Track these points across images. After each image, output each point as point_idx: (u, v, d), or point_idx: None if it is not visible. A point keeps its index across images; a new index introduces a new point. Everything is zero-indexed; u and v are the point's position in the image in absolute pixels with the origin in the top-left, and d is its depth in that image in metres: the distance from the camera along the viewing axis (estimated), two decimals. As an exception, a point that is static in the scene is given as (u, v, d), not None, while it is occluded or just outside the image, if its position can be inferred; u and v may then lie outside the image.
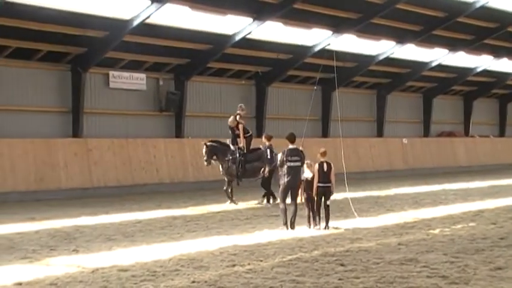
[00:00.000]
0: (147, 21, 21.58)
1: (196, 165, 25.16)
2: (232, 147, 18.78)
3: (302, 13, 24.63)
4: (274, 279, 8.60)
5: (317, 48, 27.34)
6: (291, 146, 13.21)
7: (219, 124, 27.80)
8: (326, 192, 13.19)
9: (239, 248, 10.92)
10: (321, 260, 9.86)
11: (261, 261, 9.86)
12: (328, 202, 13.27)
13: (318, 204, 13.24)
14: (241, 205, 18.10)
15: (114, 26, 21.66)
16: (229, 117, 19.12)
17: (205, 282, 8.41)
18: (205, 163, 18.84)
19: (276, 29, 25.69)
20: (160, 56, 24.83)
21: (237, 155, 18.57)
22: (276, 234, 12.64)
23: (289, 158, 13.02)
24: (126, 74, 24.44)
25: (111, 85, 24.02)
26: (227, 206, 17.95)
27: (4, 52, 21.18)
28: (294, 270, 9.17)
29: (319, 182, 13.08)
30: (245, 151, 18.70)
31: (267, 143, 18.60)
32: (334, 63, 18.77)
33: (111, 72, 23.97)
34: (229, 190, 18.40)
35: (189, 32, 23.92)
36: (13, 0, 18.65)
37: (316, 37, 27.20)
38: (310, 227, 13.24)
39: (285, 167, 13.02)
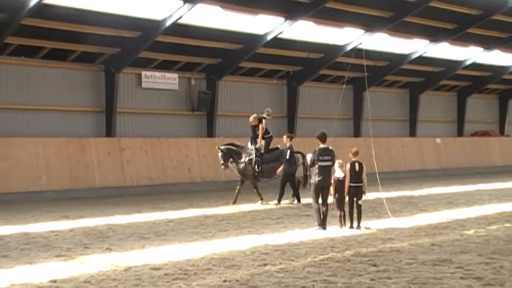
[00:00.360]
0: (179, 21, 21.70)
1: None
2: (249, 147, 18.72)
3: (334, 12, 24.51)
4: (306, 278, 8.57)
5: (349, 48, 27.18)
6: (321, 146, 13.14)
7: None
8: (358, 192, 13.12)
9: (270, 248, 10.91)
10: (352, 260, 9.81)
11: (293, 260, 9.84)
12: (359, 202, 13.19)
13: (350, 204, 13.17)
14: (271, 205, 18.06)
15: (147, 27, 21.84)
16: (258, 116, 19.03)
17: (237, 281, 8.42)
18: (223, 167, 18.92)
19: (307, 28, 25.59)
20: (192, 56, 24.96)
21: (254, 155, 18.47)
22: (307, 233, 12.61)
23: (321, 158, 12.95)
24: (158, 74, 24.64)
25: (144, 85, 24.23)
26: (258, 205, 17.95)
27: (40, 53, 21.52)
28: (326, 270, 9.13)
29: (350, 181, 13.02)
30: (262, 152, 18.57)
31: (288, 143, 18.39)
32: (364, 62, 18.61)
33: (143, 72, 24.18)
34: (238, 190, 18.31)
35: (221, 32, 24.00)
36: (49, 2, 18.91)
37: (348, 36, 27.04)
38: (341, 227, 13.19)
39: (316, 166, 12.97)
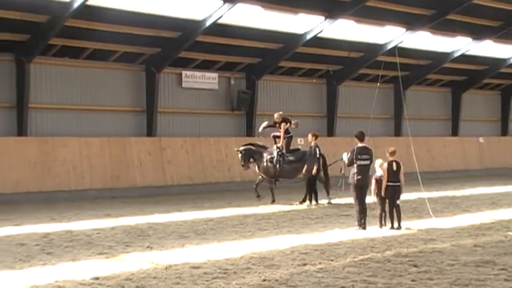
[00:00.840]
0: (219, 21, 21.80)
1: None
2: (270, 146, 18.62)
3: (375, 10, 24.29)
4: (346, 279, 8.52)
5: (389, 46, 26.92)
6: (360, 144, 13.06)
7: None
8: (396, 191, 13.01)
9: (310, 247, 10.88)
10: (393, 261, 9.71)
11: (332, 260, 9.79)
12: (398, 201, 13.09)
13: (389, 203, 13.07)
14: (304, 205, 17.99)
15: (187, 27, 22.01)
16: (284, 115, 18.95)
17: (276, 280, 8.42)
18: (243, 168, 18.91)
19: (347, 27, 25.42)
20: (232, 56, 25.04)
21: (275, 154, 18.35)
22: (347, 233, 12.53)
23: (360, 157, 12.88)
24: (198, 73, 24.80)
25: (184, 85, 24.43)
26: (298, 205, 17.91)
27: (83, 54, 21.88)
28: (366, 270, 9.06)
29: (388, 181, 12.93)
30: (284, 151, 18.42)
31: (313, 142, 18.10)
32: (397, 59, 18.32)
33: (183, 72, 24.38)
34: (257, 187, 18.37)
35: (261, 32, 24.02)
36: (92, 4, 19.21)
37: (389, 35, 26.78)
38: (381, 227, 13.07)
39: (355, 165, 12.89)
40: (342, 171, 13.81)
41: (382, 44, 27.15)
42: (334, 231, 12.83)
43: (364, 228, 12.95)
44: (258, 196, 18.23)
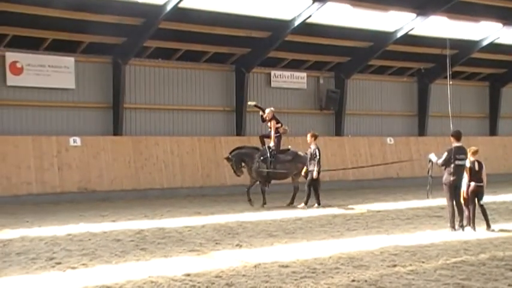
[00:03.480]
0: (308, 20, 21.78)
1: (356, 163, 25.02)
2: (261, 147, 17.84)
3: (469, 6, 23.53)
4: (438, 281, 8.32)
5: (485, 43, 26.02)
6: (457, 144, 12.73)
7: (380, 122, 27.51)
8: (479, 191, 12.69)
9: (400, 248, 10.69)
10: (488, 264, 9.38)
11: (423, 262, 9.58)
12: (481, 202, 12.77)
13: (473, 204, 12.78)
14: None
15: (277, 27, 22.12)
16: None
17: (366, 281, 8.33)
18: (237, 174, 17.91)
19: (440, 24, 24.77)
20: (321, 55, 24.96)
21: (268, 154, 17.56)
22: (439, 235, 12.22)
23: (457, 156, 12.56)
24: (287, 73, 24.89)
25: (273, 84, 24.58)
26: (389, 205, 17.63)
27: (175, 55, 22.44)
28: (459, 273, 8.81)
29: (470, 181, 12.61)
30: (276, 151, 17.65)
31: (313, 143, 17.35)
32: (448, 51, 17.43)
33: (272, 72, 24.53)
34: (249, 190, 17.57)
35: (350, 30, 23.81)
36: (184, 6, 19.66)
37: (485, 31, 25.88)
38: (474, 229, 12.73)
39: (452, 165, 12.57)
40: (430, 173, 13.35)
41: (477, 41, 26.30)
42: (426, 233, 12.55)
43: (457, 229, 12.62)
44: (250, 200, 17.42)
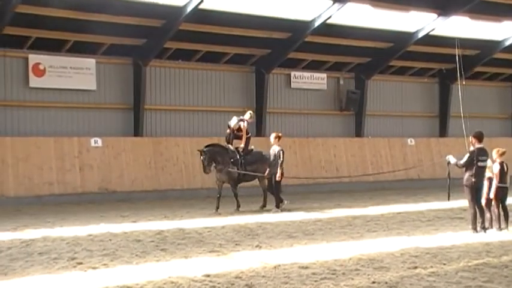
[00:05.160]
0: (328, 21, 21.74)
1: (376, 164, 24.92)
2: (230, 148, 17.01)
3: (491, 6, 23.31)
4: (459, 284, 8.24)
5: (508, 43, 25.77)
6: (479, 145, 12.61)
7: (400, 123, 27.36)
8: (504, 193, 12.71)
9: (421, 250, 10.62)
10: (510, 266, 9.28)
11: (445, 264, 9.50)
12: (506, 203, 12.74)
13: (498, 205, 12.68)
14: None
15: (297, 27, 22.10)
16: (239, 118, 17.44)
17: (386, 283, 8.28)
18: (205, 171, 16.59)
19: (461, 24, 24.57)
20: (341, 56, 24.89)
21: (238, 156, 16.80)
22: (460, 237, 12.12)
23: (480, 158, 12.44)
24: (307, 74, 24.87)
25: (293, 85, 24.58)
26: (410, 207, 17.52)
27: (195, 56, 22.52)
28: (481, 275, 8.72)
29: (499, 182, 12.52)
30: (244, 153, 16.95)
31: (276, 145, 16.55)
32: (457, 51, 17.21)
33: (292, 73, 24.53)
34: (219, 196, 16.51)
35: (370, 31, 23.72)
36: (205, 7, 19.73)
37: (507, 31, 25.61)
38: (500, 229, 12.63)
39: (474, 167, 12.45)
40: (450, 175, 13.20)
41: (500, 41, 26.05)
42: (447, 234, 12.45)
43: (479, 231, 12.51)
44: (218, 208, 16.30)
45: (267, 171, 16.63)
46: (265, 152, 17.25)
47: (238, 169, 16.74)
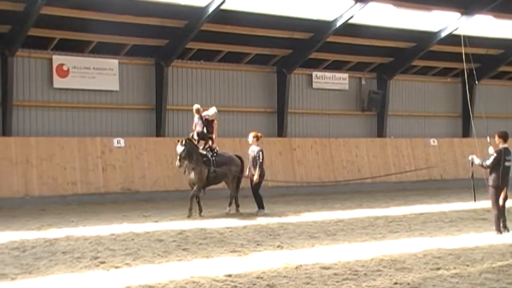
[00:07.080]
0: (350, 21, 21.66)
1: (398, 165, 24.78)
2: (201, 147, 16.04)
3: (515, 4, 23.10)
4: (483, 285, 8.18)
5: (533, 41, 25.52)
6: (504, 145, 12.49)
7: (423, 123, 27.17)
8: None
9: (444, 251, 10.55)
10: (535, 269, 9.19)
11: (468, 265, 9.43)
12: None
13: None
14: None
15: (318, 28, 22.06)
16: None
17: (408, 284, 8.24)
18: (178, 165, 15.23)
19: (485, 23, 24.32)
20: (363, 56, 24.78)
21: (210, 157, 15.89)
22: (484, 238, 12.02)
23: (506, 158, 12.33)
24: (328, 74, 24.81)
25: (314, 85, 24.53)
26: (432, 207, 17.40)
27: (217, 56, 22.58)
28: (505, 277, 8.64)
29: None
30: (215, 153, 16.03)
31: (255, 144, 15.92)
32: (463, 49, 16.98)
33: (314, 73, 24.48)
34: (198, 199, 15.71)
35: (393, 31, 23.59)
36: (226, 8, 19.77)
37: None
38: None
39: (501, 168, 12.32)
40: (473, 175, 13.07)
41: (524, 40, 25.78)
42: (470, 235, 12.36)
43: (502, 232, 12.40)
44: (190, 216, 15.22)
45: (246, 172, 16.11)
46: (231, 153, 16.73)
47: (209, 171, 15.72)
